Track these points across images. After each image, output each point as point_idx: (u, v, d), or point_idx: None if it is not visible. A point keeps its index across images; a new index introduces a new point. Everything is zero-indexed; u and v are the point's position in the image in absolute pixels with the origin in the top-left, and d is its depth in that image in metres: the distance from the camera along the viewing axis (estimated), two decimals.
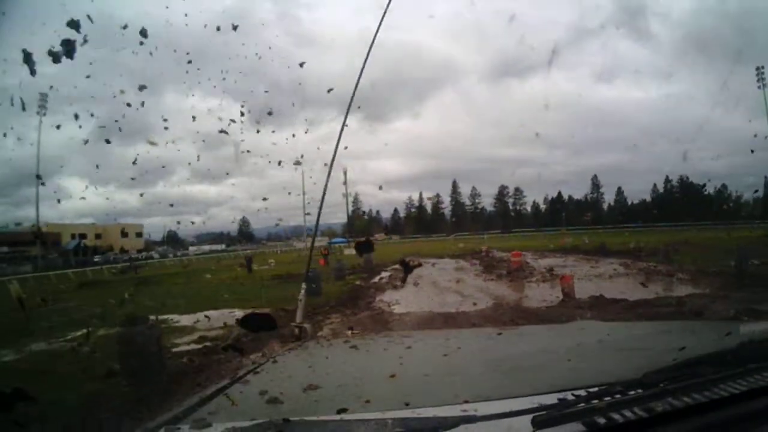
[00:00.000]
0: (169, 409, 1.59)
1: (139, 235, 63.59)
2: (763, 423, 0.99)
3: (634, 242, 29.14)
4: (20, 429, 1.06)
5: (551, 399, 1.19)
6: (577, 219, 66.50)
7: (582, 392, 1.19)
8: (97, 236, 58.77)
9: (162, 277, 27.89)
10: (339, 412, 1.35)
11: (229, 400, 1.67)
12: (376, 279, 20.02)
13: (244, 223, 64.77)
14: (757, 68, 42.04)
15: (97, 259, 48.07)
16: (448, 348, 2.15)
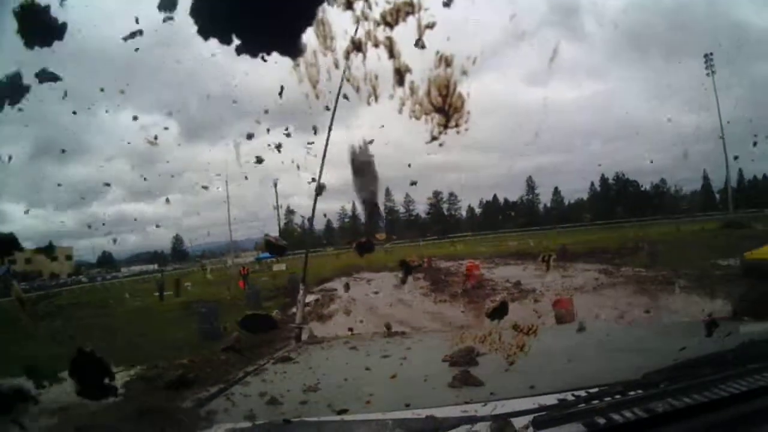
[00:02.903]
0: (169, 412, 1.59)
1: (69, 258, 59.48)
2: (764, 423, 0.99)
3: (583, 243, 25.44)
4: (20, 430, 1.06)
5: (551, 399, 1.19)
6: (513, 221, 66.19)
7: (582, 393, 1.19)
8: (27, 261, 57.05)
9: (65, 309, 23.58)
10: (339, 412, 1.36)
11: (230, 401, 1.68)
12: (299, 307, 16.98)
13: (177, 240, 63.67)
14: (706, 55, 41.80)
15: (23, 286, 46.93)
16: (449, 349, 2.14)
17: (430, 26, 0.67)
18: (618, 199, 61.64)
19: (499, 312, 1.20)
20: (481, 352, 2.02)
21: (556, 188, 76.50)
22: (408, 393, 1.52)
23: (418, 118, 0.75)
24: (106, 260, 60.34)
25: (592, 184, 70.36)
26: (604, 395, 1.11)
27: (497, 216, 72.95)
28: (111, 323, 15.73)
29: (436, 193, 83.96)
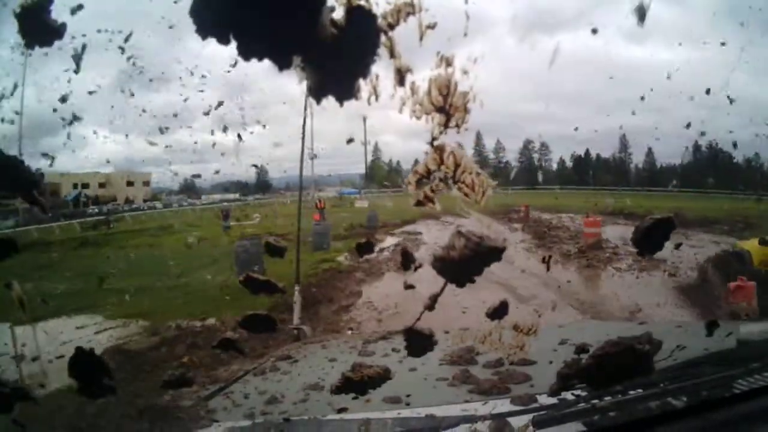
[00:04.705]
0: (168, 410, 1.60)
1: (146, 183, 60.14)
2: (765, 423, 0.99)
3: (689, 209, 19.66)
4: (21, 429, 1.07)
5: (551, 399, 1.19)
6: (604, 179, 64.82)
7: (582, 392, 1.19)
8: (101, 185, 55.25)
9: (125, 236, 22.67)
10: (339, 411, 1.36)
11: (230, 400, 1.68)
12: (375, 251, 12.80)
13: (262, 171, 62.85)
14: None
15: (92, 210, 43.18)
16: (448, 347, 2.15)
17: (431, 26, 0.66)
18: (710, 169, 59.79)
19: (499, 312, 1.19)
20: (480, 351, 2.03)
21: (649, 149, 73.27)
22: (408, 392, 1.53)
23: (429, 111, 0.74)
24: (189, 188, 59.63)
25: (687, 149, 68.33)
26: (605, 395, 1.11)
27: (588, 171, 71.65)
28: (147, 256, 14.14)
29: (528, 142, 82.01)
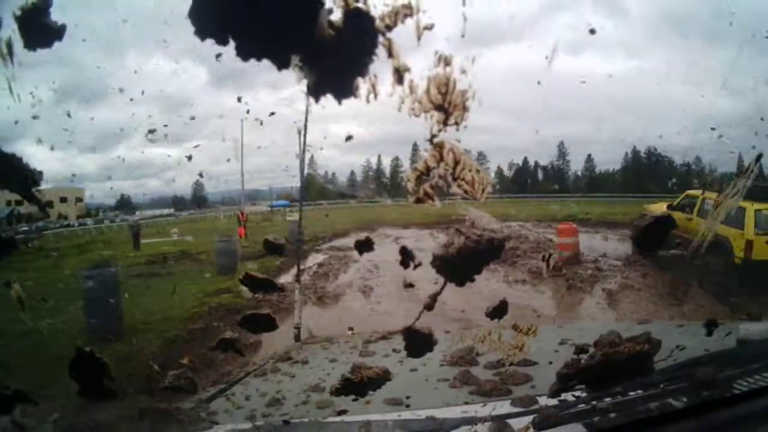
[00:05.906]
0: (168, 413, 1.60)
1: (80, 200, 58.98)
2: (764, 423, 0.98)
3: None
4: (20, 430, 1.06)
5: (552, 400, 1.19)
6: (544, 186, 65.40)
7: (582, 393, 1.19)
8: None
9: (31, 257, 17.97)
10: (339, 413, 1.35)
11: (230, 402, 1.68)
12: (290, 275, 10.91)
13: (198, 186, 63.64)
14: None
15: (23, 228, 44.01)
16: (449, 348, 2.14)
17: (429, 27, 0.66)
18: (647, 175, 60.12)
19: (498, 311, 1.19)
20: (481, 352, 2.02)
21: (589, 156, 73.92)
22: (408, 393, 1.52)
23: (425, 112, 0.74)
24: (125, 204, 58.74)
25: (627, 154, 68.22)
26: (605, 396, 1.11)
27: (527, 180, 72.27)
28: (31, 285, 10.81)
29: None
